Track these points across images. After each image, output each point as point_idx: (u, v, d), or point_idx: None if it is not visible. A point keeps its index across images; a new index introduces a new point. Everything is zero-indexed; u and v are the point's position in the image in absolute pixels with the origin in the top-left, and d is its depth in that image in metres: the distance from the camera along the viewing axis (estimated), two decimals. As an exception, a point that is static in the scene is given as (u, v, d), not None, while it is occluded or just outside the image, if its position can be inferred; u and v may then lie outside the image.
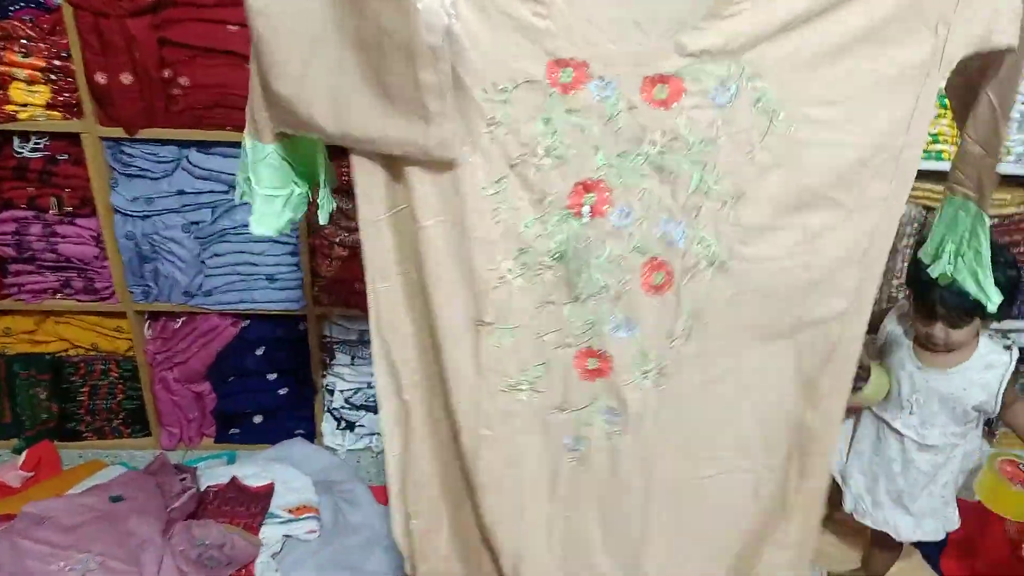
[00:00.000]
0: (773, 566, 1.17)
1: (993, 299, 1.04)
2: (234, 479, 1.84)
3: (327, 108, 0.89)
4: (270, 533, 1.73)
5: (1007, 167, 1.88)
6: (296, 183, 1.03)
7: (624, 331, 1.00)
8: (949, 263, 1.06)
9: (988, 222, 1.01)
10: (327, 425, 2.18)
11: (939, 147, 1.85)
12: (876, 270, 0.97)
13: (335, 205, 1.09)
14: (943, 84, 0.92)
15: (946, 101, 1.76)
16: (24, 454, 2.03)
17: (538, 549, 1.12)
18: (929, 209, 1.97)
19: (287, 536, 1.75)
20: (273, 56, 0.87)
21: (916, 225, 2.00)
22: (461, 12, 0.82)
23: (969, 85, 0.95)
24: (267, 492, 1.84)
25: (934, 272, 1.09)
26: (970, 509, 2.01)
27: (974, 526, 1.93)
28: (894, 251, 2.03)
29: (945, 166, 1.86)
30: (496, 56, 0.85)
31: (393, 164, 0.95)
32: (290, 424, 2.17)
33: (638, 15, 0.86)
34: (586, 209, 0.94)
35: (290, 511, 1.79)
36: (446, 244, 0.96)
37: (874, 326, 1.66)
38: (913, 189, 1.90)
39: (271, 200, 1.01)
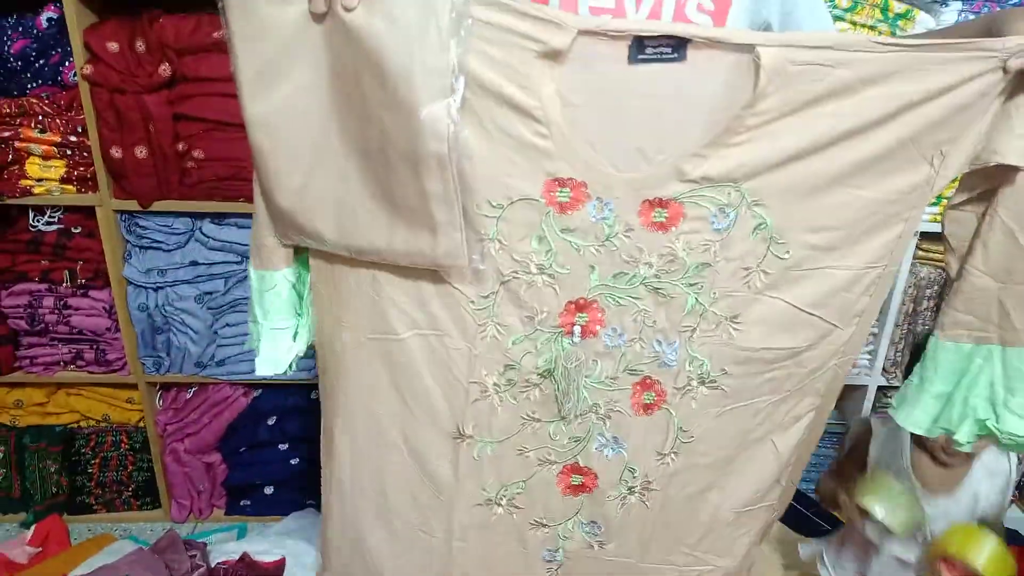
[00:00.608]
0: None
1: None
2: (245, 555, 1.80)
3: (331, 219, 0.88)
4: (280, 614, 1.68)
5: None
6: (300, 315, 0.99)
7: (611, 450, 1.01)
8: (987, 418, 0.95)
9: None
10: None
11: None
12: (845, 370, 1.00)
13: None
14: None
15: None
16: (32, 529, 2.00)
17: None
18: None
19: (298, 618, 1.70)
20: (274, 169, 0.86)
21: (936, 288, 1.97)
22: (460, 128, 0.80)
23: (967, 209, 0.92)
24: (278, 569, 1.80)
25: (962, 439, 0.96)
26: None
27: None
28: (915, 314, 2.00)
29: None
30: (492, 172, 0.85)
31: (353, 275, 0.95)
32: (302, 495, 2.13)
33: (643, 143, 0.85)
34: (577, 329, 0.94)
35: (301, 589, 1.75)
36: (426, 355, 0.96)
37: (860, 459, 1.46)
38: (931, 252, 1.91)
39: (277, 336, 0.97)
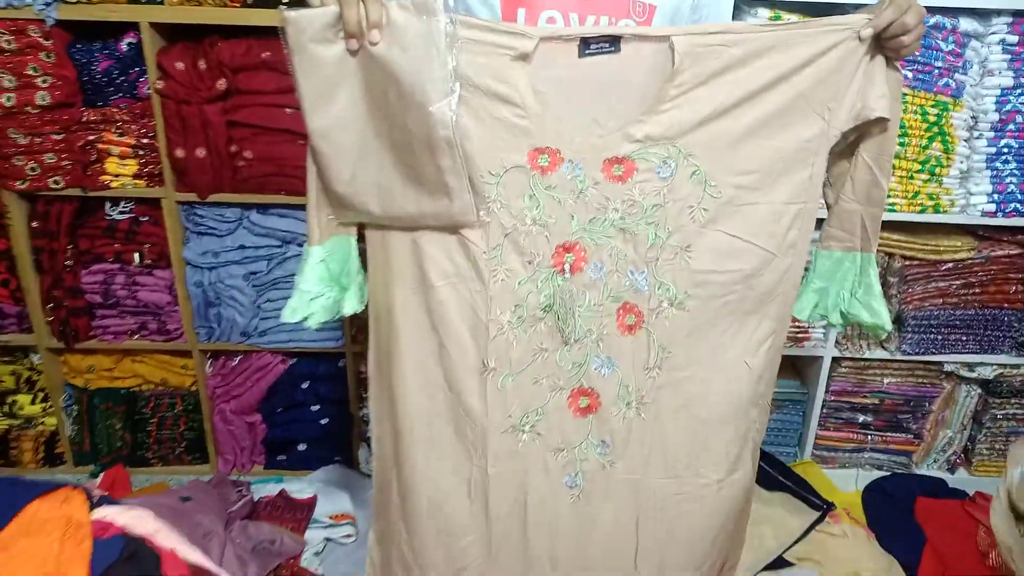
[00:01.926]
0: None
1: (886, 319, 1.20)
2: (283, 491, 2.12)
3: (375, 198, 1.10)
4: (313, 535, 2.00)
5: (954, 217, 2.15)
6: (330, 289, 1.17)
7: (607, 368, 1.17)
8: (840, 306, 1.22)
9: (875, 260, 1.20)
10: (362, 452, 2.44)
11: (890, 201, 2.12)
12: (791, 298, 1.19)
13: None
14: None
15: (893, 162, 2.07)
16: (100, 477, 2.32)
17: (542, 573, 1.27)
18: (891, 255, 2.24)
19: (328, 539, 2.01)
20: (332, 166, 1.07)
21: (881, 269, 2.24)
22: (460, 116, 1.02)
23: (844, 155, 1.17)
24: (311, 503, 2.11)
25: (834, 322, 1.23)
26: (945, 526, 2.21)
27: (949, 539, 2.13)
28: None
29: (893, 216, 2.13)
30: (489, 149, 1.07)
31: (399, 241, 1.14)
32: (330, 451, 2.43)
33: (596, 114, 1.08)
34: (567, 266, 1.12)
35: (331, 517, 2.06)
36: (455, 300, 1.14)
37: None
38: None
39: (305, 296, 1.16)
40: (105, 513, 1.02)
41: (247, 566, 1.74)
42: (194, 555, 1.08)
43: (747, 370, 1.19)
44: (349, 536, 2.03)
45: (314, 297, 1.17)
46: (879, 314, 1.21)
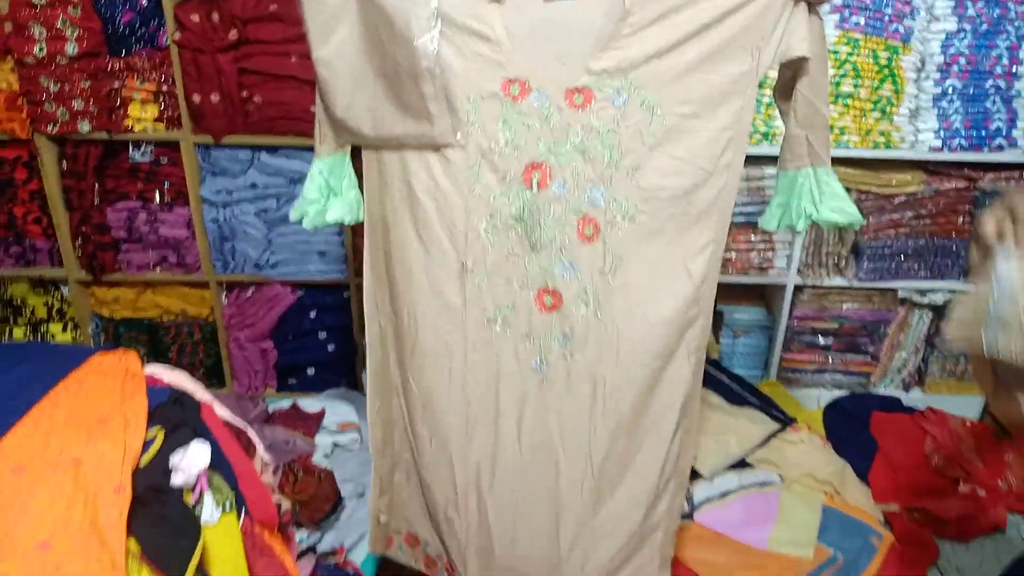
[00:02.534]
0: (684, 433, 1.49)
1: (856, 213, 1.32)
2: (295, 404, 2.35)
3: (368, 121, 1.26)
4: (322, 440, 2.22)
5: (904, 153, 2.34)
6: (325, 198, 1.37)
7: (568, 272, 1.30)
8: (811, 213, 1.33)
9: (830, 168, 1.32)
10: (366, 376, 2.64)
11: (845, 138, 2.32)
12: (728, 213, 1.30)
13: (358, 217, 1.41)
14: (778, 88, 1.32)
15: (848, 102, 2.26)
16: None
17: (509, 451, 1.41)
18: (847, 190, 2.42)
19: (336, 444, 2.24)
20: (332, 92, 1.25)
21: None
22: (442, 50, 1.19)
23: (787, 89, 1.33)
24: (320, 415, 2.34)
25: (800, 228, 1.35)
26: (896, 435, 2.42)
27: (898, 447, 2.35)
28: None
29: (848, 152, 2.34)
30: (468, 79, 1.21)
31: (389, 160, 1.30)
32: (336, 375, 2.65)
33: (559, 50, 1.22)
34: (535, 183, 1.25)
35: (338, 426, 2.28)
36: (437, 210, 1.30)
37: None
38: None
39: (305, 203, 1.37)
40: (153, 370, 1.23)
41: (265, 460, 1.97)
42: (225, 412, 1.29)
43: (687, 274, 1.31)
44: (355, 441, 2.26)
45: (311, 203, 1.37)
46: (850, 213, 1.34)
